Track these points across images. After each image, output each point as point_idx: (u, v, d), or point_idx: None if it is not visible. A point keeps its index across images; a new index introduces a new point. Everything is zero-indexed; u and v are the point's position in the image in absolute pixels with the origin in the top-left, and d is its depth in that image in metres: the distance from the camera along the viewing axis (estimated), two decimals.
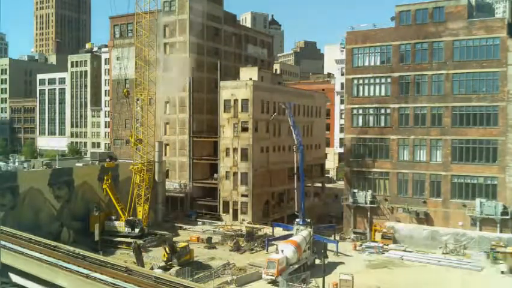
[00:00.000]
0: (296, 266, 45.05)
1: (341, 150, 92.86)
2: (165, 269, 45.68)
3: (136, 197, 59.46)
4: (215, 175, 76.36)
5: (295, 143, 55.62)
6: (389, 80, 61.57)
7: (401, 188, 60.89)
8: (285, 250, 44.68)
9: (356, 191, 62.48)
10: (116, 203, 59.22)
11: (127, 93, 61.41)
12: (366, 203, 61.43)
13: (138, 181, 59.59)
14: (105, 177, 59.13)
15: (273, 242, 54.95)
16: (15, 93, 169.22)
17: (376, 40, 62.36)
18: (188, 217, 71.10)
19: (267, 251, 53.83)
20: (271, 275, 42.35)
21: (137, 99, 64.02)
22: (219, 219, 71.26)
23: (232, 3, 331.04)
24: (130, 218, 58.59)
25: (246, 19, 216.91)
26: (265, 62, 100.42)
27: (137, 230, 57.69)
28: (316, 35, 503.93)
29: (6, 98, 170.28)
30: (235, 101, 71.56)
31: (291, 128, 55.52)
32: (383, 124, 62.08)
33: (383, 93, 62.14)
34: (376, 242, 56.60)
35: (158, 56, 64.52)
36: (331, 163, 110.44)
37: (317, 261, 49.21)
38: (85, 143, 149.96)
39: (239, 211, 71.35)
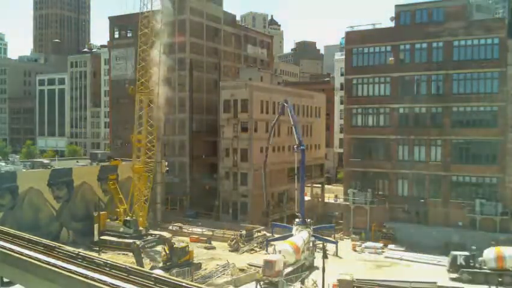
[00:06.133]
0: (294, 267, 44.74)
1: (341, 150, 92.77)
2: (165, 269, 45.59)
3: (136, 197, 59.24)
4: (215, 175, 76.33)
5: (297, 142, 55.24)
6: (388, 80, 61.57)
7: (401, 188, 60.90)
8: (283, 251, 44.41)
9: (355, 191, 62.46)
10: (119, 203, 59.03)
11: (132, 91, 60.86)
12: (366, 203, 61.41)
13: (138, 181, 59.37)
14: (109, 177, 58.91)
15: (272, 243, 54.90)
16: (14, 94, 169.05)
17: (375, 40, 62.36)
18: (187, 217, 71.01)
19: (267, 251, 53.75)
20: (269, 276, 42.07)
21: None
22: (219, 219, 71.19)
23: (232, 3, 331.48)
24: (129, 218, 58.43)
25: (245, 19, 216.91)
26: (265, 62, 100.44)
27: (136, 231, 57.49)
28: (316, 35, 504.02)
29: (5, 99, 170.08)
30: (235, 101, 71.50)
31: (293, 126, 55.09)
32: (382, 124, 62.09)
33: (382, 93, 62.14)
34: (376, 242, 56.59)
35: (158, 56, 64.32)
36: (331, 163, 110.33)
37: (316, 262, 49.15)
38: (85, 144, 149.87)
39: (239, 211, 71.32)
